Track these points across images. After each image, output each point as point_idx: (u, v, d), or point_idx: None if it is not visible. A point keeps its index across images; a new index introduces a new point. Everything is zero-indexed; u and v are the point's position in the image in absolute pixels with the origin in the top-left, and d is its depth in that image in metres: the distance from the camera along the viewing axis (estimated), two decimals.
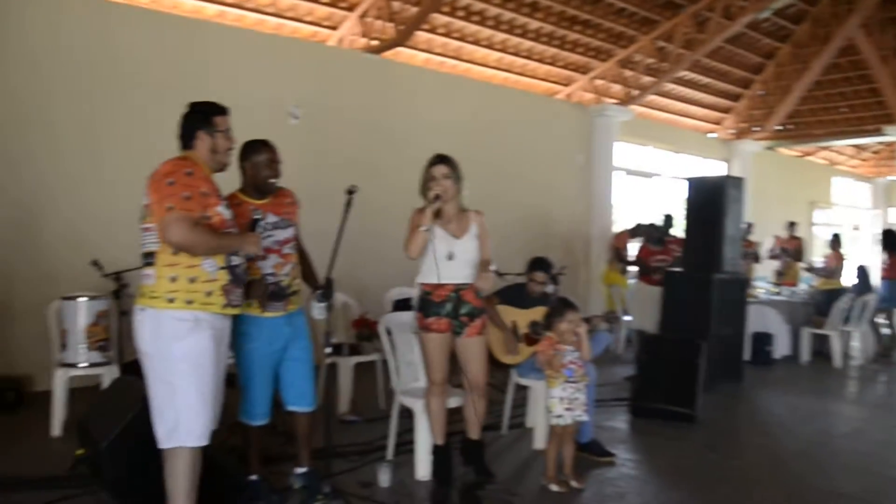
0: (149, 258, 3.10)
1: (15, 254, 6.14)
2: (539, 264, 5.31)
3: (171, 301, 3.02)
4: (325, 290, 3.73)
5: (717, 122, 14.52)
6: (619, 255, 10.06)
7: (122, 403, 3.55)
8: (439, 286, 4.07)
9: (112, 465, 3.36)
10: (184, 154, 3.21)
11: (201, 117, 3.24)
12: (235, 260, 3.20)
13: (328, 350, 3.84)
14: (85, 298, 4.93)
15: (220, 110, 3.29)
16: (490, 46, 10.10)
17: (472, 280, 4.09)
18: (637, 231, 10.14)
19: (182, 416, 3.03)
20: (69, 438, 4.33)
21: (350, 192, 3.81)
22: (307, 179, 6.85)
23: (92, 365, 4.94)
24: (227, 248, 3.18)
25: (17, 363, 6.08)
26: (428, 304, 4.09)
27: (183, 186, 3.00)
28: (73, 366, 4.93)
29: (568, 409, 4.13)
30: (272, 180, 3.74)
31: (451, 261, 4.04)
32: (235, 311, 3.25)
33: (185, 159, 3.14)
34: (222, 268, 3.12)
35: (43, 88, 6.24)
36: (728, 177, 7.61)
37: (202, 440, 3.08)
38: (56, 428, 4.90)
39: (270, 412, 3.86)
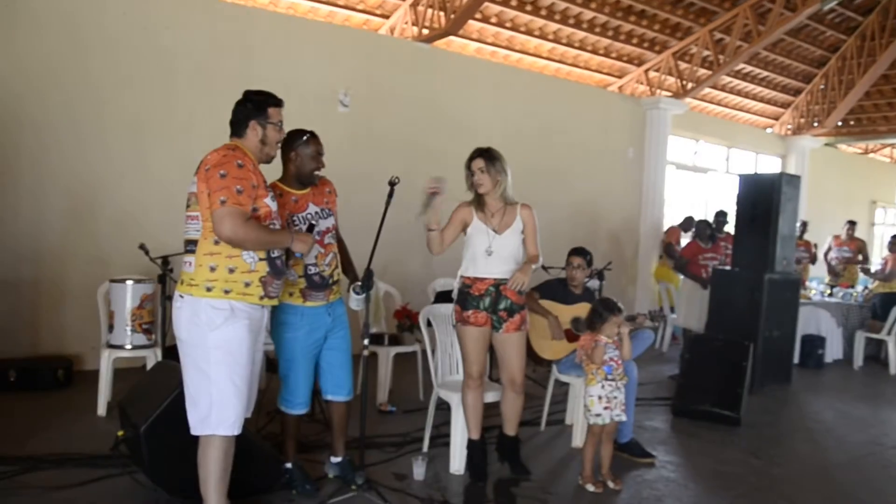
0: (190, 246, 3.12)
1: (70, 238, 6.28)
2: (574, 251, 5.24)
3: (209, 290, 3.03)
4: (364, 282, 3.72)
5: (775, 118, 14.11)
6: (669, 251, 9.88)
7: (161, 387, 3.59)
8: (479, 279, 4.04)
9: (149, 447, 3.40)
10: (233, 143, 3.19)
11: (256, 107, 3.21)
12: (276, 252, 3.19)
13: (365, 342, 3.84)
14: (131, 281, 5.02)
15: (275, 102, 3.26)
16: (542, 36, 9.96)
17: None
18: (687, 225, 9.96)
19: (215, 405, 3.04)
20: (113, 418, 4.42)
21: (392, 183, 3.80)
22: (355, 168, 6.92)
23: (136, 347, 5.03)
24: (278, 244, 3.18)
25: (69, 342, 6.26)
26: (466, 296, 4.06)
27: (235, 179, 2.99)
28: (118, 347, 5.03)
29: (606, 408, 4.06)
30: (316, 173, 3.73)
31: (490, 256, 4.00)
32: (273, 303, 3.26)
33: (235, 149, 3.11)
34: (262, 259, 3.12)
35: (92, 78, 6.34)
36: (783, 174, 7.39)
37: (234, 429, 3.09)
38: (101, 407, 5.01)
39: (310, 401, 3.89)
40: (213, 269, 3.04)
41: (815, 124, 13.78)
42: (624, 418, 4.18)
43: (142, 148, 6.58)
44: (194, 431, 3.10)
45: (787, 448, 5.33)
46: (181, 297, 3.10)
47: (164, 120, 6.67)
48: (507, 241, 4.02)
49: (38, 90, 6.10)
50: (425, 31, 8.62)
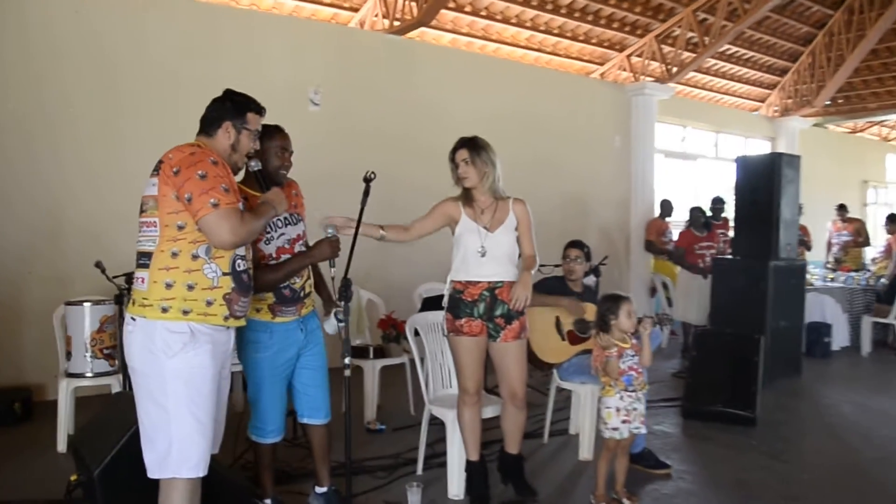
0: (143, 259, 2.68)
1: (31, 254, 5.85)
2: (571, 243, 4.89)
3: (164, 310, 2.60)
4: (342, 293, 3.29)
5: (762, 100, 13.79)
6: (649, 247, 9.51)
7: (116, 424, 3.17)
8: (471, 283, 3.62)
9: (105, 492, 2.99)
10: (197, 142, 2.78)
11: (235, 108, 2.84)
12: (241, 265, 2.77)
13: (346, 360, 3.41)
14: (88, 304, 4.58)
15: (257, 108, 2.91)
16: (520, 24, 9.55)
17: (510, 277, 3.63)
18: (666, 209, 9.55)
19: (175, 443, 2.61)
20: None
21: (367, 179, 3.39)
22: (329, 168, 6.51)
23: (97, 374, 4.59)
24: (269, 218, 2.93)
25: (28, 371, 5.79)
26: (458, 303, 3.64)
27: (217, 178, 2.61)
28: (78, 375, 4.59)
29: (625, 422, 3.66)
30: (283, 172, 3.32)
31: (483, 257, 3.58)
32: (240, 324, 2.83)
33: (199, 147, 2.71)
34: (226, 274, 2.70)
35: (66, 80, 5.99)
36: (782, 154, 7.04)
37: (198, 471, 2.66)
38: (61, 443, 4.56)
39: (283, 427, 3.47)
40: (169, 286, 2.61)
41: (804, 104, 13.39)
42: (643, 430, 3.79)
43: (113, 157, 6.15)
44: (151, 474, 2.66)
45: (810, 448, 4.95)
46: (133, 319, 2.67)
47: (132, 124, 6.26)
48: (500, 240, 3.61)
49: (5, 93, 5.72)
50: (397, 23, 8.19)
